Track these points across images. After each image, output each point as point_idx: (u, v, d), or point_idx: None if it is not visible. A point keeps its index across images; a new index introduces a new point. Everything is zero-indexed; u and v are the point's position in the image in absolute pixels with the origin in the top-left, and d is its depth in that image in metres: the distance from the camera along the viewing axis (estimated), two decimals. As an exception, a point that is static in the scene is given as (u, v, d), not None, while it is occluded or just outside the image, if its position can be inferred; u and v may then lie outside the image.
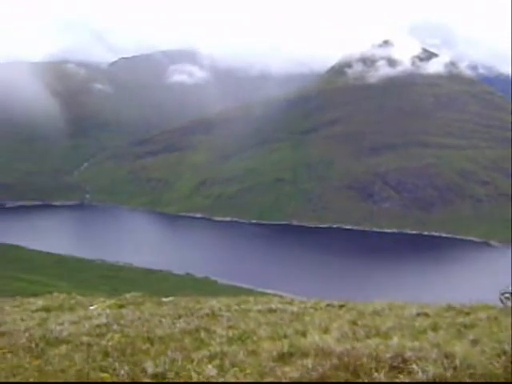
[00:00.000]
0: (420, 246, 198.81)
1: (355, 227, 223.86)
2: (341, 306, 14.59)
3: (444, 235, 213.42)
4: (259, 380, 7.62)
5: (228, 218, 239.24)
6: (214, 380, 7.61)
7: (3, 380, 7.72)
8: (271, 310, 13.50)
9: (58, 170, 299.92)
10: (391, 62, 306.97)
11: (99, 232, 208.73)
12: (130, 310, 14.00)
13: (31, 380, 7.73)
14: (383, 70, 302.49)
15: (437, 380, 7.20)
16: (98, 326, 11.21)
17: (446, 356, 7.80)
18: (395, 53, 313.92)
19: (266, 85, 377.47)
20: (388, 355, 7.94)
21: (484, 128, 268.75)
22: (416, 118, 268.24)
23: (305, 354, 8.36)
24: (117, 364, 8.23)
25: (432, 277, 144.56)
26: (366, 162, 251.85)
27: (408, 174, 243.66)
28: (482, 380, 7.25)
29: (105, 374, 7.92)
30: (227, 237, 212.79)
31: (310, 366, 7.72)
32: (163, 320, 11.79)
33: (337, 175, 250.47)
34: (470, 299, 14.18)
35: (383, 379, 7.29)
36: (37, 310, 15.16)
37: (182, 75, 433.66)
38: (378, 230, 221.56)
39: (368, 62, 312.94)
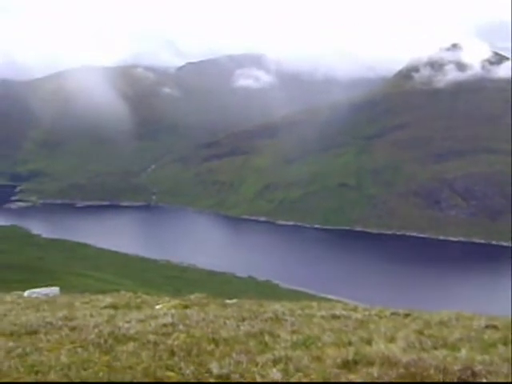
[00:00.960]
0: (487, 256, 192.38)
1: (420, 234, 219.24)
2: (406, 315, 14.28)
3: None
4: (324, 386, 7.56)
5: (291, 223, 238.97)
6: (278, 384, 7.61)
7: (74, 373, 7.96)
8: (335, 317, 13.35)
9: (126, 172, 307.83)
10: (460, 66, 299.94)
11: (164, 233, 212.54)
12: (195, 310, 14.14)
13: (100, 374, 7.95)
14: (451, 74, 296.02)
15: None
16: (164, 325, 11.35)
17: (518, 371, 7.52)
18: (464, 56, 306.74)
19: (331, 89, 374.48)
20: (456, 368, 7.66)
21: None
22: (485, 124, 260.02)
23: (370, 363, 8.19)
24: (182, 363, 8.32)
25: (500, 288, 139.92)
26: (432, 168, 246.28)
27: (476, 181, 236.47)
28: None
29: (171, 373, 8.02)
30: (290, 241, 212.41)
31: (375, 374, 7.58)
32: (227, 322, 11.84)
33: (402, 181, 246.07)
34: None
35: (452, 392, 7.12)
36: (105, 307, 15.48)
37: (247, 79, 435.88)
38: (443, 237, 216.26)
39: (436, 65, 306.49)
